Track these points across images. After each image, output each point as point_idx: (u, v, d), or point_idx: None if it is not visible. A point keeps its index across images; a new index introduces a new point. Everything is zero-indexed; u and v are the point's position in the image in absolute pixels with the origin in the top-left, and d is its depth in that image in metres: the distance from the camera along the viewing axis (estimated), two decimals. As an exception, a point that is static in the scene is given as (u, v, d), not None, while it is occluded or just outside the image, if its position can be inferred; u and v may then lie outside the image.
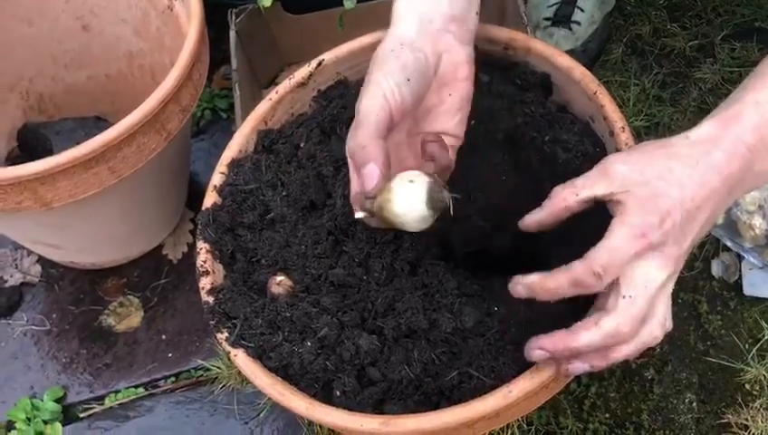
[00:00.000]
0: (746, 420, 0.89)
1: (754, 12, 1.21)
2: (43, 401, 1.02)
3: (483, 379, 0.60)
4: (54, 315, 1.10)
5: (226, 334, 0.66)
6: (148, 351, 1.05)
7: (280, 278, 0.68)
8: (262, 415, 0.99)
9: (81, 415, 1.02)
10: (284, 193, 0.73)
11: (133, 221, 1.04)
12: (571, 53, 1.01)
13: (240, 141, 0.76)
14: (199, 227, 0.72)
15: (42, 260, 1.14)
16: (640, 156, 0.55)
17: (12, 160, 1.14)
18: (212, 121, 1.26)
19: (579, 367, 0.56)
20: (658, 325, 0.54)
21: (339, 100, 0.77)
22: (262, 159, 0.75)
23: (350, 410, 0.61)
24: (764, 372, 0.92)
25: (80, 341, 1.07)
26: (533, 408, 0.63)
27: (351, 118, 0.74)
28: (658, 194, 0.53)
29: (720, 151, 0.54)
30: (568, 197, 0.57)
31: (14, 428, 1.00)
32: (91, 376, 1.04)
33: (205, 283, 0.69)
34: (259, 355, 0.65)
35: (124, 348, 1.06)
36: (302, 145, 0.76)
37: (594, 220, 0.65)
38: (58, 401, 1.02)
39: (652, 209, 0.53)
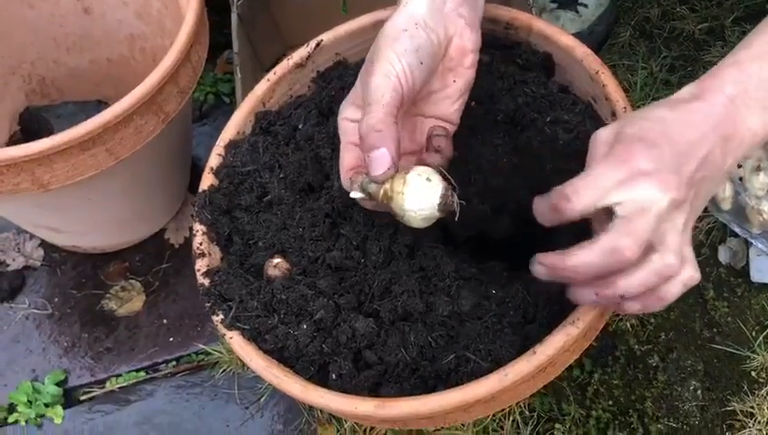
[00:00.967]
0: (752, 407, 0.88)
1: (766, -6, 1.19)
2: (44, 384, 1.02)
3: (480, 362, 0.59)
4: (56, 299, 1.10)
5: (222, 316, 0.65)
6: (150, 335, 1.05)
7: (277, 261, 0.68)
8: (262, 400, 0.98)
9: (82, 398, 1.02)
10: (282, 175, 0.72)
11: (134, 205, 1.03)
12: (577, 36, 0.99)
13: (238, 123, 0.75)
14: (196, 208, 0.72)
15: (44, 244, 1.14)
16: (620, 121, 0.55)
17: (14, 143, 1.13)
18: (215, 106, 1.25)
19: (631, 306, 0.54)
20: (674, 255, 0.52)
21: (337, 81, 0.76)
22: (259, 140, 0.74)
23: (346, 393, 0.60)
24: (771, 360, 0.90)
25: (81, 325, 1.07)
26: (530, 392, 0.62)
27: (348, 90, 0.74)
28: (644, 129, 0.52)
29: (700, 101, 0.53)
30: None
31: (16, 410, 1.01)
32: (93, 360, 1.04)
33: (201, 265, 0.69)
34: (254, 338, 0.64)
35: (125, 332, 1.06)
36: (300, 126, 0.75)
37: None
38: (59, 384, 1.02)
39: (636, 139, 0.52)
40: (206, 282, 0.67)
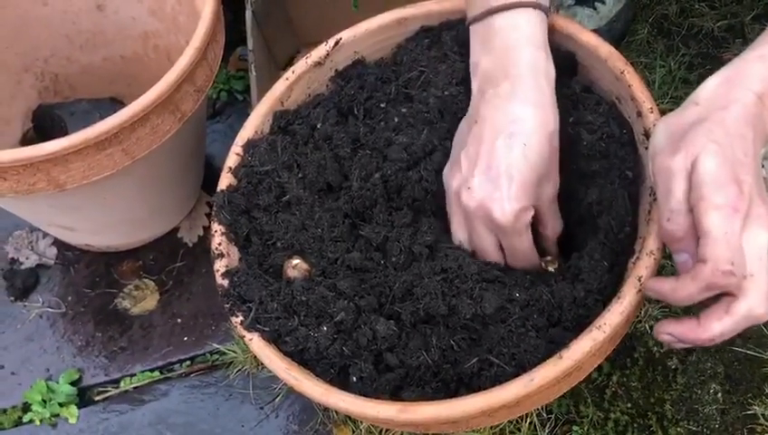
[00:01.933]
0: (773, 411, 0.87)
1: (786, -9, 1.18)
2: (58, 383, 1.01)
3: (503, 366, 0.58)
4: (70, 298, 1.09)
5: (241, 318, 0.65)
6: (164, 334, 1.05)
7: (296, 262, 0.67)
8: (277, 400, 0.98)
9: (97, 398, 1.02)
10: (300, 175, 0.71)
11: (148, 204, 1.03)
12: (595, 32, 0.98)
13: (256, 122, 0.75)
14: (214, 208, 0.71)
15: (57, 242, 1.13)
16: (679, 140, 0.53)
17: (27, 141, 1.13)
18: (228, 103, 1.25)
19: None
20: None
21: (356, 80, 0.76)
22: (278, 139, 0.73)
23: (367, 396, 0.60)
24: (792, 363, 0.89)
25: (95, 323, 1.07)
26: (555, 396, 0.62)
27: (368, 98, 0.74)
28: (722, 162, 0.50)
29: (734, 104, 0.52)
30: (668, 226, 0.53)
31: (30, 410, 1.00)
32: (107, 359, 1.04)
33: (219, 265, 0.68)
34: (274, 339, 0.63)
35: (139, 331, 1.05)
36: (318, 126, 0.74)
37: (608, 203, 0.63)
38: (73, 383, 1.02)
39: (726, 180, 0.50)
40: (226, 283, 0.67)
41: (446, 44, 0.72)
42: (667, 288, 0.53)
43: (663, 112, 1.09)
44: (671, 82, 1.12)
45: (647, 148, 0.61)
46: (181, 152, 0.99)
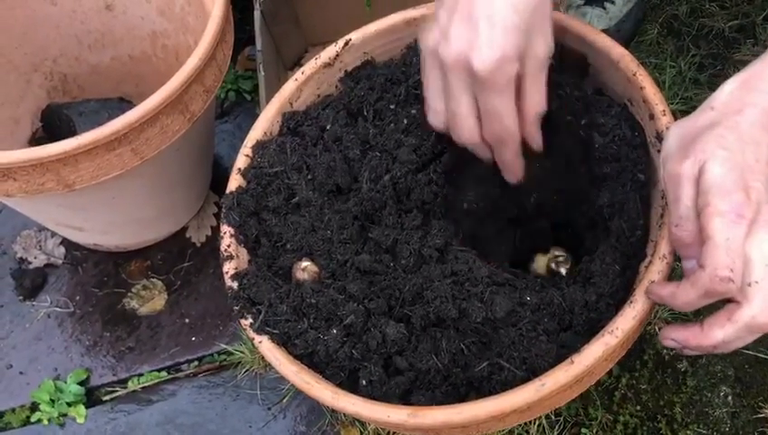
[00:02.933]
0: (784, 415, 0.86)
1: (798, -9, 1.17)
2: (66, 383, 1.01)
3: (514, 370, 0.58)
4: (78, 297, 1.09)
5: (251, 321, 0.65)
6: (172, 334, 1.05)
7: (305, 264, 0.67)
8: (285, 401, 0.98)
9: (105, 398, 1.02)
10: (310, 176, 0.71)
11: (157, 204, 1.03)
12: (604, 33, 0.97)
13: (265, 123, 0.74)
14: (223, 210, 0.71)
15: (65, 242, 1.13)
16: (689, 146, 0.52)
17: (36, 141, 1.13)
18: (236, 103, 1.25)
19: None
20: None
21: (366, 81, 0.75)
22: (287, 141, 0.73)
23: (376, 399, 0.60)
24: (803, 366, 0.89)
25: (103, 323, 1.07)
26: (566, 401, 0.61)
27: (378, 100, 0.73)
28: (730, 168, 0.49)
29: (750, 108, 0.51)
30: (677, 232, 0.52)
31: (39, 409, 1.00)
32: (115, 359, 1.04)
33: (229, 267, 0.68)
34: (284, 342, 0.63)
35: (147, 331, 1.05)
36: (328, 127, 0.73)
37: (620, 206, 0.63)
38: (81, 383, 1.02)
39: (732, 187, 0.49)
40: (235, 285, 0.67)
41: (457, 45, 0.72)
42: (668, 293, 0.52)
43: (673, 114, 1.09)
44: (681, 82, 1.11)
45: (659, 150, 0.60)
46: (190, 152, 0.99)
